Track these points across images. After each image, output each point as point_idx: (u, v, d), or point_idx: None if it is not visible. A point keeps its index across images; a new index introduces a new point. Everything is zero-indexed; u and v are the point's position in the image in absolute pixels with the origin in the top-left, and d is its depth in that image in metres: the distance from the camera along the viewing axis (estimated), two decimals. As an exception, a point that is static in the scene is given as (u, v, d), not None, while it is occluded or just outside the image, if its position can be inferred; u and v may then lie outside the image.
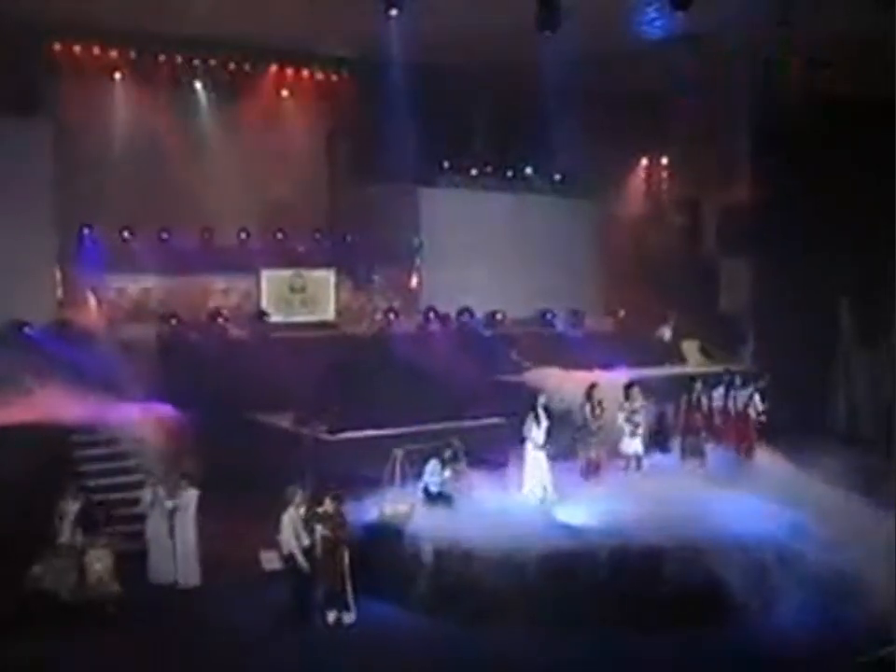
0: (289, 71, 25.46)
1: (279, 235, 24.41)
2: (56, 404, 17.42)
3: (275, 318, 22.31)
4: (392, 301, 24.31)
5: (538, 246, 25.49)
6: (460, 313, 23.73)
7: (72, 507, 14.13)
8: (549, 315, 25.88)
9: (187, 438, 17.38)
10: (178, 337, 20.69)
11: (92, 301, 21.44)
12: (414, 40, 21.94)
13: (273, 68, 25.17)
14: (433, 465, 13.79)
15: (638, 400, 15.11)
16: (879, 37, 20.64)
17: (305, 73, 25.67)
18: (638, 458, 15.07)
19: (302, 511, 12.47)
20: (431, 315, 23.01)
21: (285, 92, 25.58)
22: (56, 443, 16.63)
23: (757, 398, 16.76)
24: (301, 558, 12.33)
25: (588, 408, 14.65)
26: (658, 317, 26.37)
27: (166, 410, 18.16)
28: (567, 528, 13.16)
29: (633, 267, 27.79)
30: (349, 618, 12.55)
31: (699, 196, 28.26)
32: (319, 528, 12.47)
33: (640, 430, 14.98)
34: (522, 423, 14.14)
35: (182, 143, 23.28)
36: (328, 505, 12.62)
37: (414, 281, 25.02)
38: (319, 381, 18.97)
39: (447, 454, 13.98)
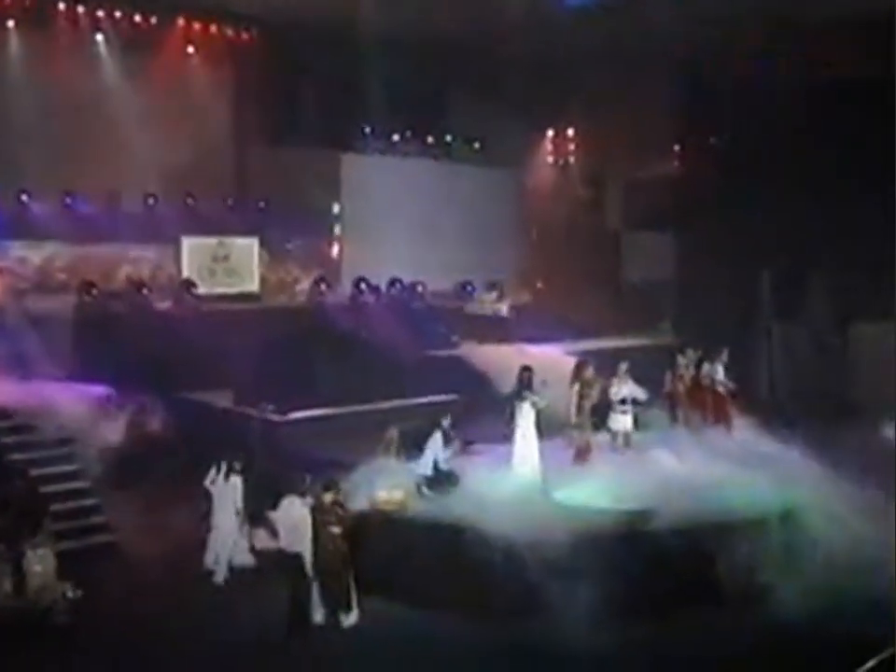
0: (197, 26, 24.00)
1: (189, 201, 22.98)
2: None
3: (198, 290, 20.82)
4: (311, 271, 23.12)
5: (456, 215, 24.78)
6: (391, 284, 22.73)
7: None
8: (469, 288, 25.10)
9: (118, 421, 16.01)
10: (96, 310, 19.01)
11: (-11, 270, 19.62)
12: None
13: (181, 22, 23.67)
14: (434, 443, 12.78)
15: (626, 376, 14.54)
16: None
17: (214, 29, 24.23)
18: (627, 435, 14.52)
19: (310, 500, 11.26)
20: (362, 286, 21.87)
21: (191, 49, 24.08)
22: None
23: (720, 371, 16.43)
24: (308, 559, 11.17)
25: (577, 387, 13.93)
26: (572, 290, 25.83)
27: (89, 390, 16.66)
28: (566, 509, 12.45)
29: (549, 238, 27.36)
30: (351, 618, 11.50)
31: (613, 168, 27.98)
32: (317, 522, 11.32)
33: (628, 407, 14.43)
34: (510, 400, 13.31)
35: (83, 99, 21.60)
36: (325, 496, 11.50)
37: (335, 250, 23.86)
38: (257, 357, 17.64)
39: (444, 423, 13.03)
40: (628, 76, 24.65)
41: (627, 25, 22.49)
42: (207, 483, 13.07)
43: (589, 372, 14.04)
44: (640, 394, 14.57)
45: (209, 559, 13.10)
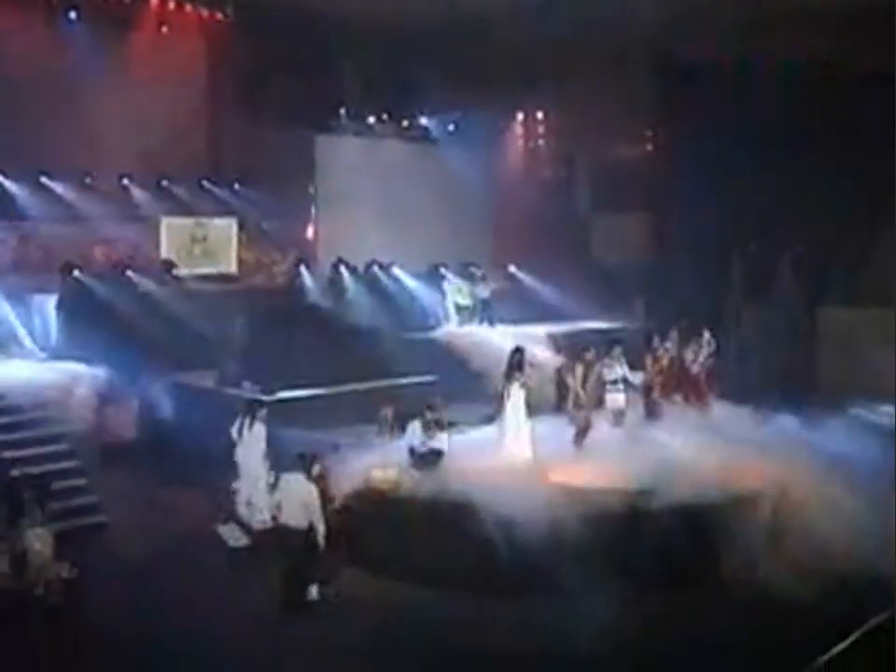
0: (171, 5, 23.79)
1: (164, 182, 22.87)
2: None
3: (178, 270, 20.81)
4: (289, 253, 23.14)
5: (431, 198, 24.82)
6: (369, 266, 22.85)
7: None
8: (442, 270, 25.18)
9: (106, 401, 16.08)
10: (79, 291, 18.96)
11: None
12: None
13: (154, 2, 23.44)
14: (417, 425, 13.00)
15: (620, 358, 14.85)
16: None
17: (188, 9, 24.03)
18: (622, 414, 14.84)
19: (316, 469, 11.43)
20: (341, 267, 21.96)
21: (165, 29, 23.88)
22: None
23: (694, 351, 16.81)
24: (321, 530, 11.33)
25: (580, 369, 14.24)
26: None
27: (75, 370, 16.72)
28: (558, 487, 12.69)
29: (521, 221, 27.53)
30: (335, 591, 11.70)
31: (583, 150, 28.20)
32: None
33: (621, 387, 14.73)
34: (501, 380, 13.57)
35: (56, 78, 21.33)
36: (313, 470, 11.68)
37: (310, 232, 23.92)
38: (242, 338, 17.73)
39: (428, 414, 13.23)
40: (601, 58, 24.83)
41: (601, 8, 22.70)
42: (234, 433, 13.36)
43: (590, 354, 14.40)
44: (633, 377, 14.89)
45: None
